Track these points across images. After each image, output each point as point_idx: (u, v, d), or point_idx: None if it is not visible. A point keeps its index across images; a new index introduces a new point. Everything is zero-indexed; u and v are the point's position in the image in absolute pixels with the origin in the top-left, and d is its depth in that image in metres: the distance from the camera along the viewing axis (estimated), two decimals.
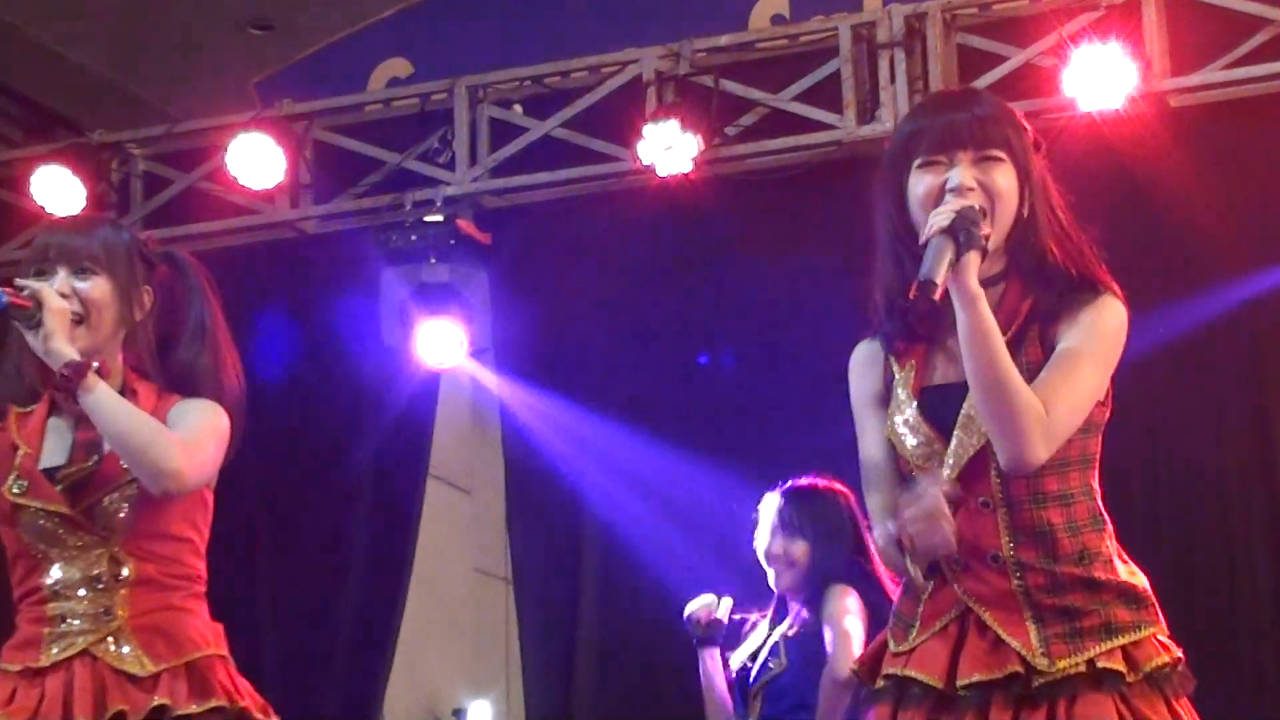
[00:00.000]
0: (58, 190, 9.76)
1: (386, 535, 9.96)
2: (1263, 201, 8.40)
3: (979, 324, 3.87)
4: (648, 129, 8.97)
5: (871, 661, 4.22)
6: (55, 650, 4.67)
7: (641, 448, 9.60)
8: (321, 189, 9.74)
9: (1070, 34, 8.50)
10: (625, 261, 9.46)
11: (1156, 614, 4.04)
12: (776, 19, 9.56)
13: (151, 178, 9.94)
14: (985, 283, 4.01)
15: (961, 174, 4.03)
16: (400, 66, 10.15)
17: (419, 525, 10.06)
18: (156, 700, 4.59)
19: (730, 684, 7.08)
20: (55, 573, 4.70)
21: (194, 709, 4.61)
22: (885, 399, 4.21)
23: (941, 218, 3.90)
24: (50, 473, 4.72)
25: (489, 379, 10.11)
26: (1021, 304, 4.11)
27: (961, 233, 3.87)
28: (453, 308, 9.47)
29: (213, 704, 4.64)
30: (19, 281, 4.35)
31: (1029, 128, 4.26)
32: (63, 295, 4.59)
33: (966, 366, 3.93)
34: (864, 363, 4.26)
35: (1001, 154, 4.10)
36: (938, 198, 4.02)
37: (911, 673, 4.04)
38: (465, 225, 9.37)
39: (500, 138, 9.53)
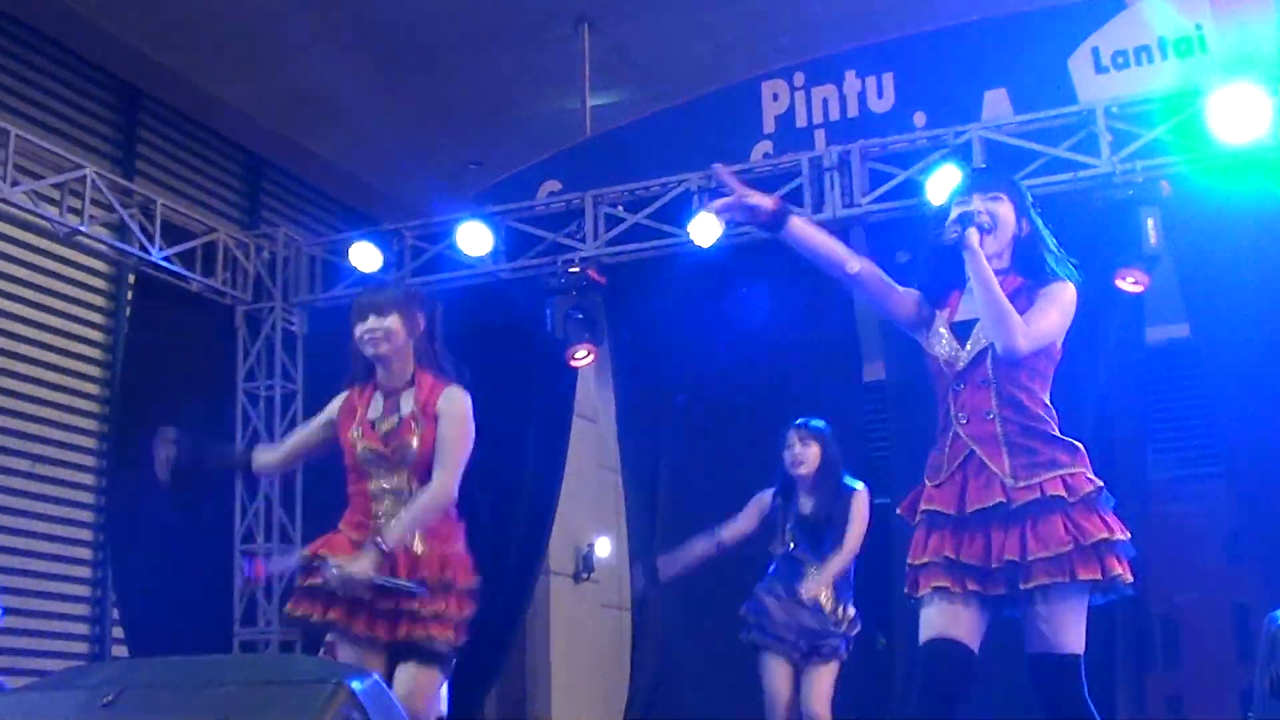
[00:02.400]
0: (364, 257, 9.91)
1: (548, 449, 10.11)
2: None
3: (983, 266, 4.08)
4: (694, 219, 9.07)
5: (911, 505, 4.28)
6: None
7: (704, 398, 9.75)
8: (511, 253, 9.85)
9: (932, 161, 8.59)
10: (684, 291, 9.56)
11: (1085, 462, 4.14)
12: (766, 155, 9.61)
13: (416, 249, 10.06)
14: (997, 274, 4.19)
15: (975, 203, 4.24)
16: (554, 185, 10.19)
17: (568, 441, 10.21)
18: (421, 574, 4.74)
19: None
20: (378, 485, 4.84)
21: (443, 577, 4.81)
22: (921, 319, 4.34)
23: (953, 215, 4.17)
24: (374, 422, 4.87)
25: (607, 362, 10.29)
26: (1015, 281, 4.24)
27: (965, 219, 4.13)
28: (591, 326, 9.52)
29: (444, 578, 4.82)
30: None
31: (1027, 191, 4.45)
32: (373, 330, 4.85)
33: (976, 290, 4.12)
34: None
35: (1002, 195, 4.30)
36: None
37: (936, 507, 4.14)
38: (592, 273, 9.48)
39: (611, 224, 9.60)
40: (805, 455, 6.84)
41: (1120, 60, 8.83)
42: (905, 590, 4.25)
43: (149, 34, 10.59)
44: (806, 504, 6.86)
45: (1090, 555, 4.02)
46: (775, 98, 9.72)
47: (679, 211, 9.30)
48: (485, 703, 11.33)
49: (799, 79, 9.69)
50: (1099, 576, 4.01)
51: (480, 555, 10.59)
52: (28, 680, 2.92)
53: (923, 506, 4.22)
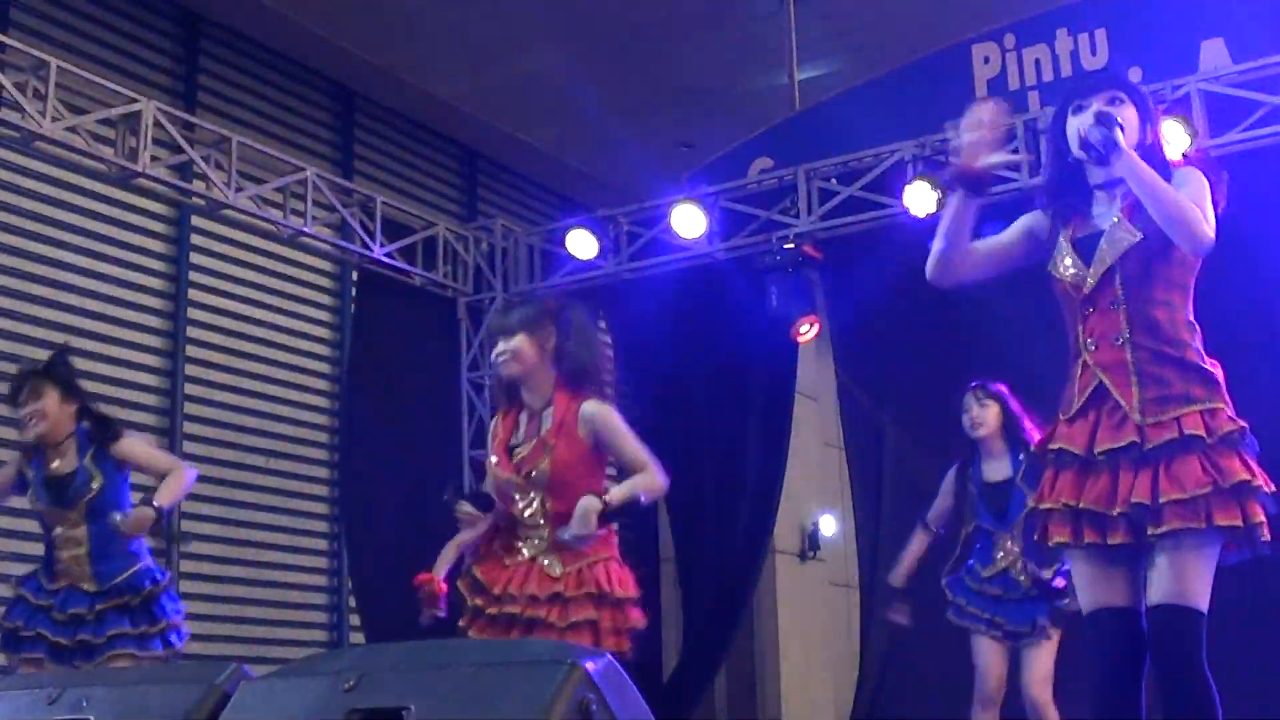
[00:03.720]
0: (581, 245, 9.98)
1: (771, 428, 10.07)
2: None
3: (1140, 165, 3.72)
4: (908, 188, 8.94)
5: (1043, 442, 3.94)
6: (520, 557, 4.85)
7: (912, 366, 9.63)
8: (725, 233, 9.83)
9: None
10: (897, 262, 9.41)
11: (1224, 396, 3.75)
12: None
13: (631, 234, 10.09)
14: (1121, 181, 3.87)
15: (1097, 105, 3.87)
16: (766, 162, 10.15)
17: (791, 419, 10.15)
18: (557, 588, 4.73)
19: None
20: (519, 508, 4.88)
21: (572, 593, 4.72)
22: (1035, 238, 4.04)
23: (1088, 118, 3.82)
24: (512, 449, 4.91)
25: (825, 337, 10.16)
26: None
27: (1107, 121, 3.76)
28: (808, 303, 9.45)
29: (585, 591, 4.75)
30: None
31: (1146, 93, 4.07)
32: (501, 352, 4.90)
33: (1141, 191, 3.73)
34: (1033, 215, 4.08)
35: (1123, 95, 3.92)
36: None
37: (1064, 445, 3.81)
38: (807, 249, 9.40)
39: (824, 198, 9.51)
40: (984, 416, 6.81)
41: None
42: (1035, 536, 3.93)
43: (362, 36, 10.81)
44: (990, 470, 6.80)
45: (1229, 499, 3.62)
46: (986, 60, 9.53)
47: (893, 182, 9.17)
48: (715, 681, 11.37)
49: (1009, 40, 9.50)
50: (1238, 522, 3.61)
51: (707, 536, 10.62)
52: (271, 668, 2.98)
53: (1051, 445, 3.89)
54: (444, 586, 7.05)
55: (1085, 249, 3.91)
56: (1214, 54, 8.73)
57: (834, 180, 9.53)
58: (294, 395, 10.69)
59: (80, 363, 9.20)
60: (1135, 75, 8.84)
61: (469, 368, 10.57)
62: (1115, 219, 3.88)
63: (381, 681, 2.64)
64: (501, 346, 4.91)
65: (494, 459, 4.93)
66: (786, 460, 10.10)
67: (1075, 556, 3.84)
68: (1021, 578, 6.63)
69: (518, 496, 4.87)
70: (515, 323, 4.93)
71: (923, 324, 9.56)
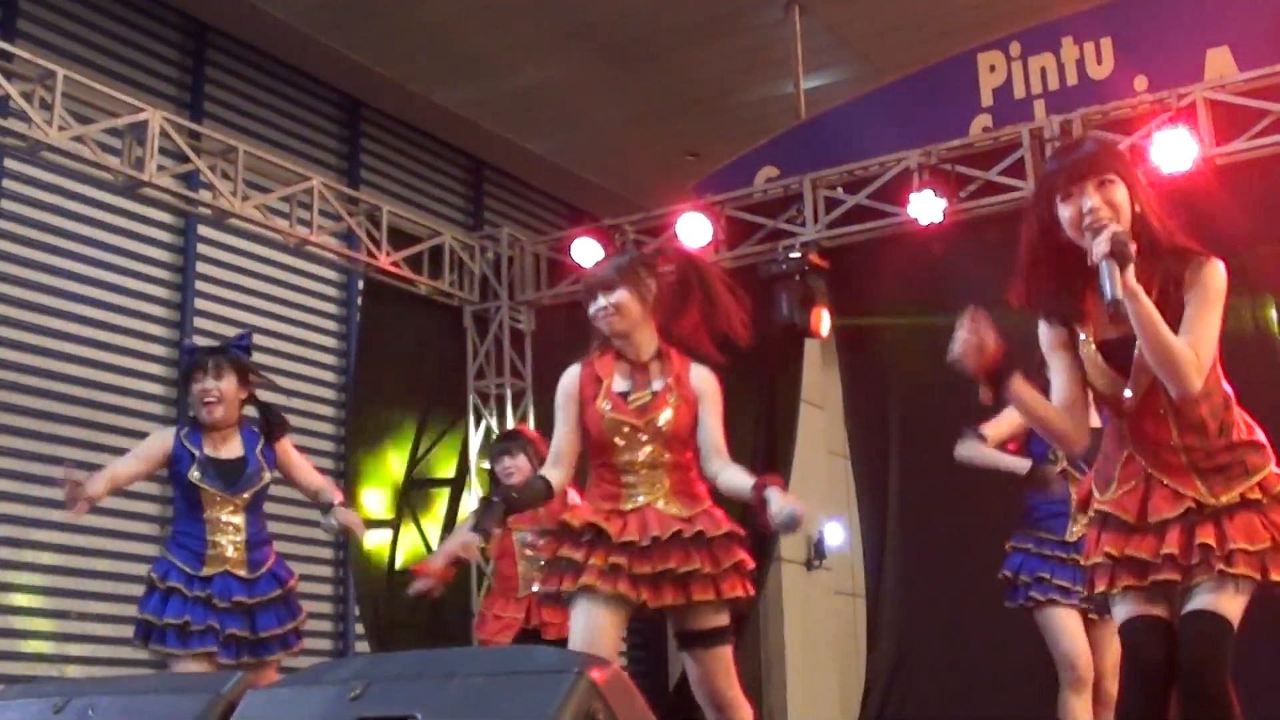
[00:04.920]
0: (586, 253, 9.98)
1: (777, 436, 10.03)
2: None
3: (1145, 311, 3.55)
4: (914, 196, 8.93)
5: (1085, 498, 3.92)
6: (629, 505, 4.72)
7: (918, 374, 9.58)
8: (731, 242, 9.81)
9: (1157, 125, 8.33)
10: (902, 270, 9.42)
11: (1271, 456, 3.74)
12: (985, 128, 9.43)
13: (637, 244, 10.05)
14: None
15: (1090, 199, 3.67)
16: (772, 171, 10.15)
17: (797, 427, 10.12)
18: (697, 526, 4.64)
19: None
20: (627, 458, 4.75)
21: (714, 532, 4.66)
22: (1073, 349, 3.82)
23: (1102, 244, 3.57)
24: (625, 395, 4.80)
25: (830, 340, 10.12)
26: (1152, 272, 3.66)
27: (1120, 253, 3.55)
28: (819, 302, 9.43)
29: (725, 531, 4.70)
30: None
31: (1125, 152, 3.94)
32: (603, 307, 4.78)
33: (1140, 338, 3.59)
34: (1046, 334, 3.87)
35: (1113, 176, 3.72)
36: (1078, 220, 3.68)
37: (1111, 510, 3.76)
38: (813, 257, 9.40)
39: (831, 206, 9.51)
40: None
41: None
42: (1086, 591, 3.94)
43: (368, 46, 10.80)
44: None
45: None
46: (992, 69, 9.54)
47: (899, 190, 9.18)
48: None
49: (1015, 49, 9.50)
50: None
51: None
52: (277, 677, 2.97)
53: (1095, 505, 3.85)
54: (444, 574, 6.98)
55: (1117, 358, 3.79)
56: (1219, 62, 8.73)
57: (840, 189, 9.54)
58: (300, 404, 10.66)
59: (85, 371, 9.28)
60: (1141, 84, 8.86)
61: (475, 376, 10.58)
62: None
63: (387, 690, 2.62)
64: (603, 301, 4.80)
65: (605, 402, 4.78)
66: (792, 469, 10.07)
67: (1115, 598, 3.80)
68: None
69: (625, 443, 4.76)
70: (616, 276, 4.83)
71: (929, 332, 9.54)
